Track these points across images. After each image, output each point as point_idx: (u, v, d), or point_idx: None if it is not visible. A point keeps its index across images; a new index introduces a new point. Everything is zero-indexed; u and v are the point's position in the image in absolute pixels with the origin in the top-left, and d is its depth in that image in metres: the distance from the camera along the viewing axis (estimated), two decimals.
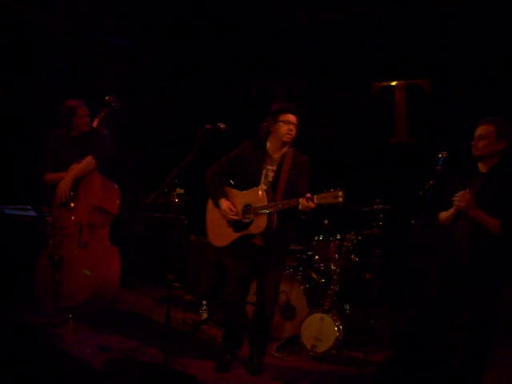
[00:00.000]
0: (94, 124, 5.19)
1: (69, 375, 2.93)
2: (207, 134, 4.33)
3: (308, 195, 3.99)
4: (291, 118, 4.38)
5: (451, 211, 3.98)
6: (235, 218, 4.36)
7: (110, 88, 6.00)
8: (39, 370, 2.88)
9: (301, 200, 4.00)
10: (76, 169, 4.96)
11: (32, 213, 6.14)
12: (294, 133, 4.39)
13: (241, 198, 4.40)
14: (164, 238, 6.87)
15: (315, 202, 3.94)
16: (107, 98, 5.22)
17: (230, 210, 4.37)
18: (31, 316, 5.15)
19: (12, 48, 6.53)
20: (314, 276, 5.64)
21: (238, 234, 4.38)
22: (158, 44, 7.71)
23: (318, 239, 5.75)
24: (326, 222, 5.83)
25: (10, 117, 6.53)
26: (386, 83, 6.99)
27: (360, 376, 4.56)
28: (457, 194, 3.90)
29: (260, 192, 4.29)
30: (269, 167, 4.42)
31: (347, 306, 5.52)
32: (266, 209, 4.21)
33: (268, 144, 4.48)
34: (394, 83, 6.94)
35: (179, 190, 6.45)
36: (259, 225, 4.25)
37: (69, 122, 5.10)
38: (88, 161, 4.95)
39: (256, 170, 4.41)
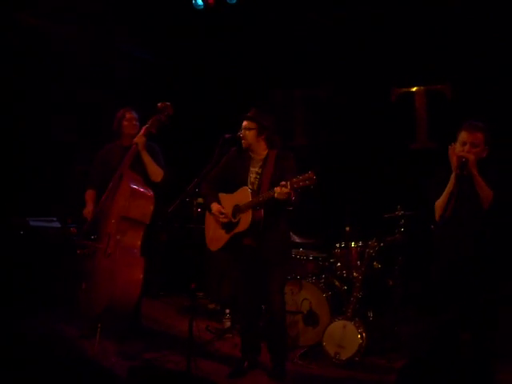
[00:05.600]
0: (142, 131, 5.10)
1: (93, 383, 2.97)
2: (226, 143, 4.40)
3: (282, 182, 4.10)
4: (243, 123, 4.51)
5: (445, 194, 3.99)
6: (225, 219, 4.47)
7: (129, 98, 6.06)
8: (64, 378, 2.92)
9: (276, 188, 4.11)
10: (149, 158, 5.05)
11: (56, 224, 6.22)
12: (245, 137, 4.47)
13: (230, 200, 4.51)
14: (186, 247, 6.91)
15: (288, 186, 4.05)
16: (159, 104, 5.11)
17: (220, 212, 4.48)
18: (61, 326, 5.26)
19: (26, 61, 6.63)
20: (337, 283, 5.64)
21: (228, 235, 4.47)
22: (174, 53, 7.78)
23: (340, 246, 5.74)
24: (347, 229, 5.83)
25: (33, 129, 6.64)
26: (405, 89, 6.97)
27: (383, 383, 4.55)
28: (458, 150, 3.92)
29: (246, 190, 4.39)
30: (252, 169, 4.53)
31: (370, 313, 5.49)
32: (251, 204, 4.31)
33: None
34: (413, 89, 6.92)
35: (200, 200, 6.48)
36: (245, 220, 4.34)
37: (119, 128, 5.17)
38: (159, 170, 5.10)
39: (242, 173, 4.53)
